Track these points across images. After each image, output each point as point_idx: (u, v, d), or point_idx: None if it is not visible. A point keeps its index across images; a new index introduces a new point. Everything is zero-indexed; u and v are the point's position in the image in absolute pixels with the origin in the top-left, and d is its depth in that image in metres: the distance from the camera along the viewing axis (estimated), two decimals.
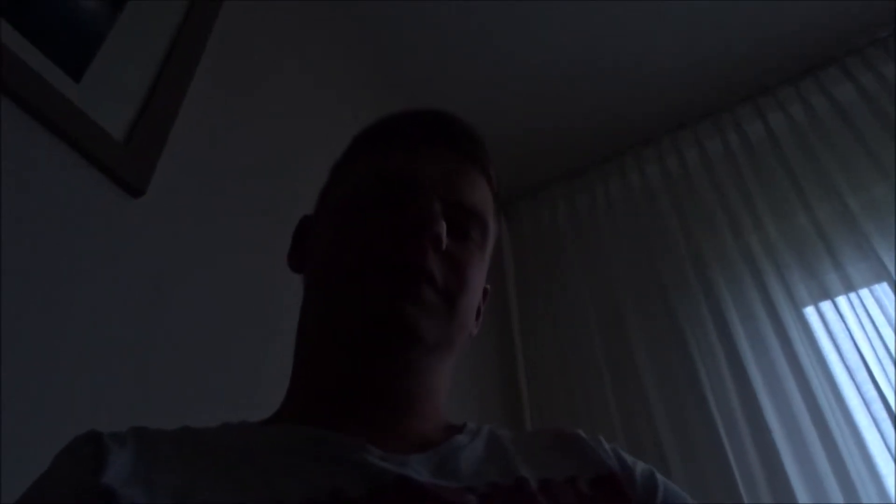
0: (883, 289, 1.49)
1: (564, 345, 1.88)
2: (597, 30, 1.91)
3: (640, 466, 0.56)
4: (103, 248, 0.90)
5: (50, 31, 0.90)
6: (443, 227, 0.53)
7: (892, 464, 1.31)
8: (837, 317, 1.52)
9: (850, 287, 1.54)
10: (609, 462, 0.55)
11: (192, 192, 1.07)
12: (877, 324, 1.45)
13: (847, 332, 1.48)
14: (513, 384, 1.93)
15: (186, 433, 0.51)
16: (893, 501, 1.28)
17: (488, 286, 0.65)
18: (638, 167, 2.08)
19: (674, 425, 1.61)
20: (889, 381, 1.37)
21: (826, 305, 1.56)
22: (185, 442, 0.49)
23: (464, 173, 0.60)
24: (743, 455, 1.48)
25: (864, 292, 1.52)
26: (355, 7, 1.79)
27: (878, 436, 1.35)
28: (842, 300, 1.54)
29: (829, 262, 1.60)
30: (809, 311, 1.60)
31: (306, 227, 0.68)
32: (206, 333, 1.00)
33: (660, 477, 0.56)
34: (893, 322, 1.44)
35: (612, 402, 1.71)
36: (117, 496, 0.42)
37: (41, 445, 0.65)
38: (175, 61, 1.08)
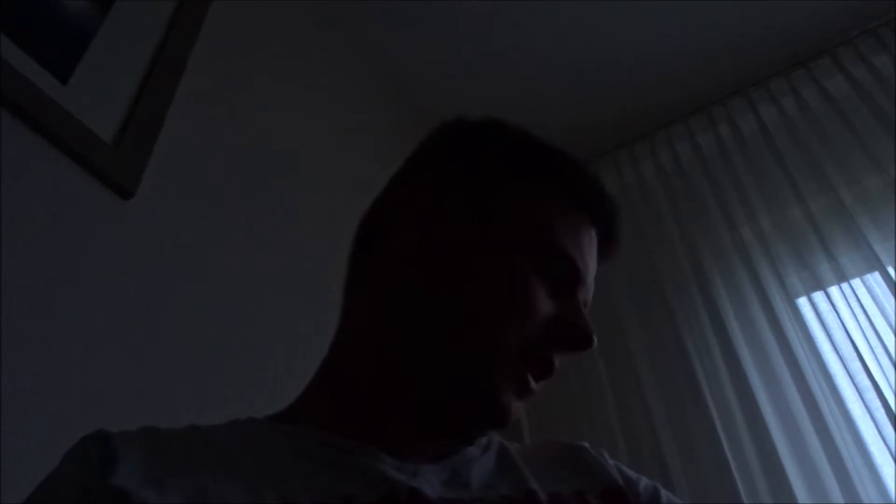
0: (875, 278, 1.50)
1: None
2: (588, 27, 1.91)
3: (643, 481, 0.57)
4: (94, 250, 0.90)
5: (35, 32, 0.89)
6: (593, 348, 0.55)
7: (887, 452, 1.31)
8: (830, 307, 1.52)
9: (842, 277, 1.54)
10: (615, 475, 0.55)
11: (182, 192, 1.07)
12: (869, 313, 1.45)
13: (840, 323, 1.49)
14: None
15: (195, 432, 0.51)
16: (889, 488, 1.29)
17: None
18: (631, 162, 2.09)
19: (670, 418, 1.61)
20: (882, 369, 1.38)
21: (819, 296, 1.57)
22: (196, 441, 0.49)
23: (595, 273, 0.61)
24: (739, 445, 1.48)
25: (857, 282, 1.52)
26: (348, 6, 1.79)
27: (872, 424, 1.36)
28: (834, 290, 1.54)
29: (822, 253, 1.61)
30: (802, 302, 1.60)
31: (399, 203, 0.59)
32: (200, 333, 1.00)
33: (663, 491, 0.57)
34: (885, 311, 1.44)
35: (608, 395, 1.71)
36: (130, 497, 0.41)
37: (38, 448, 0.66)
38: (164, 61, 1.08)
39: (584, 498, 0.52)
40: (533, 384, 0.53)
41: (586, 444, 0.60)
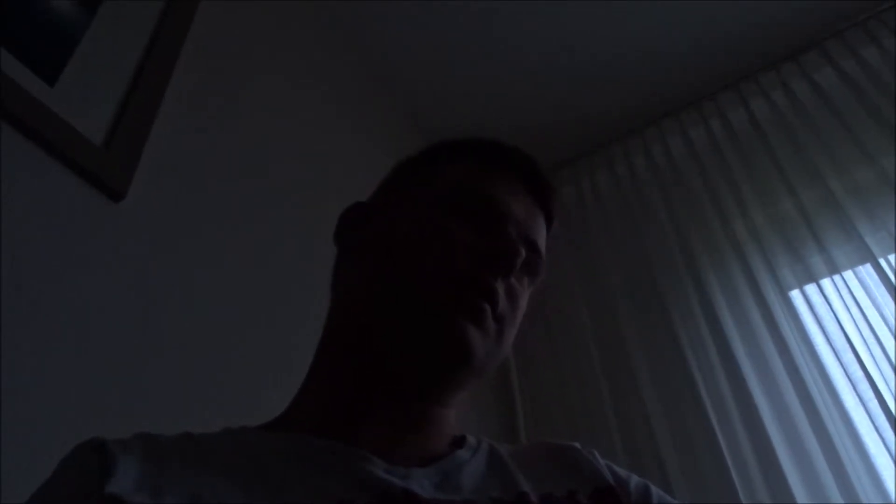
0: (867, 270, 1.50)
1: (555, 334, 1.89)
2: (579, 24, 1.91)
3: (634, 479, 0.57)
4: (85, 253, 0.89)
5: (22, 34, 0.88)
6: (522, 259, 0.56)
7: (880, 442, 1.32)
8: (823, 300, 1.53)
9: (834, 269, 1.55)
10: (606, 475, 0.56)
11: (173, 194, 1.07)
12: (861, 305, 1.46)
13: (833, 315, 1.49)
14: (504, 360, 1.93)
15: (189, 439, 0.51)
16: (882, 478, 1.30)
17: None
18: (624, 157, 2.09)
19: (666, 414, 1.61)
20: (874, 361, 1.39)
21: (811, 289, 1.58)
22: (190, 449, 0.49)
23: (537, 216, 0.65)
24: (734, 438, 1.49)
25: (849, 274, 1.53)
26: (340, 6, 1.78)
27: (864, 415, 1.37)
28: (826, 283, 1.55)
29: (814, 246, 1.61)
30: (795, 295, 1.61)
31: (363, 214, 0.66)
32: (195, 335, 1.00)
33: (654, 489, 0.57)
34: (877, 303, 1.45)
35: (605, 393, 1.72)
36: None
37: (37, 449, 0.65)
38: (153, 61, 1.07)
39: (575, 498, 0.52)
40: (485, 308, 0.54)
41: (577, 445, 0.60)
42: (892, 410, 1.32)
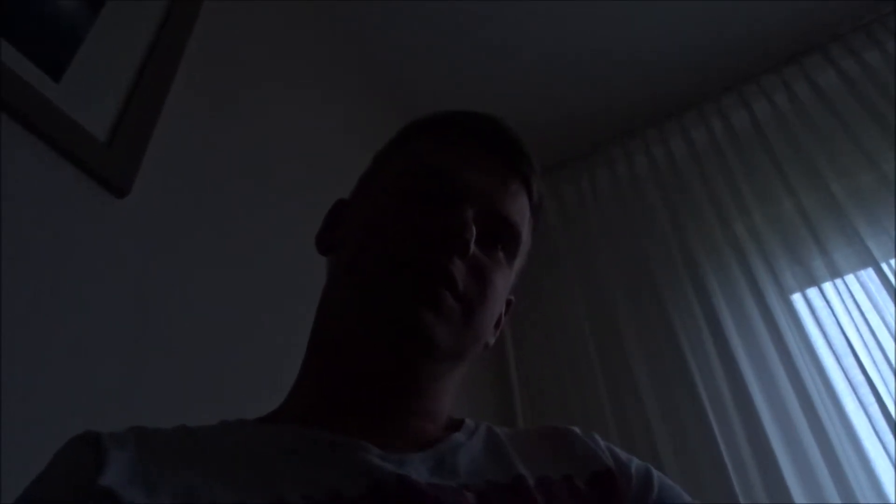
0: (868, 274, 1.50)
1: (553, 334, 1.89)
2: (579, 22, 1.90)
3: (635, 462, 0.56)
4: (88, 249, 0.89)
5: (28, 31, 0.89)
6: (472, 235, 0.53)
7: (880, 446, 1.32)
8: (824, 303, 1.53)
9: (835, 273, 1.55)
10: (605, 458, 0.55)
11: (176, 190, 1.07)
12: (863, 309, 1.46)
13: (834, 318, 1.49)
14: (503, 359, 1.93)
15: (185, 433, 0.51)
16: (882, 481, 1.30)
17: (512, 297, 0.64)
18: (624, 157, 2.09)
19: (664, 413, 1.61)
20: (875, 365, 1.39)
21: (813, 292, 1.58)
22: (185, 442, 0.49)
23: (506, 184, 0.60)
24: (733, 440, 1.49)
25: (850, 278, 1.53)
26: (340, 6, 1.78)
27: (865, 419, 1.36)
28: (828, 286, 1.55)
29: (815, 249, 1.61)
30: (796, 298, 1.61)
31: (341, 211, 0.66)
32: (196, 333, 1.00)
33: (655, 473, 0.56)
34: (879, 307, 1.45)
35: (602, 391, 1.71)
36: (118, 498, 0.41)
37: (31, 452, 0.65)
38: (156, 59, 1.07)
39: (572, 482, 0.51)
40: (440, 292, 0.52)
41: (576, 429, 0.60)
42: (893, 415, 1.32)
